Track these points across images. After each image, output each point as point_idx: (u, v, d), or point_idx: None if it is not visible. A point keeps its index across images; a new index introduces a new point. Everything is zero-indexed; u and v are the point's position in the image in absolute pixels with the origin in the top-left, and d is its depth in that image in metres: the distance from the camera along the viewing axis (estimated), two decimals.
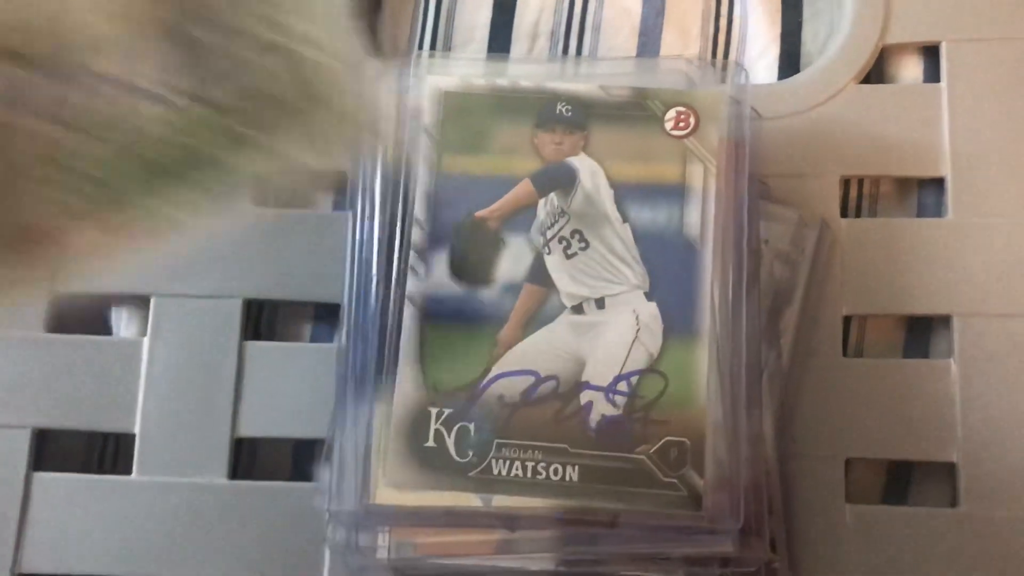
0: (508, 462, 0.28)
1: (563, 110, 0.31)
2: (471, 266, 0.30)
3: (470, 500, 0.28)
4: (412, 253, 0.30)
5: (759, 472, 0.29)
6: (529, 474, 0.28)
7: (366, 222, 0.31)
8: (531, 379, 0.29)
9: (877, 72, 0.35)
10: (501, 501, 0.28)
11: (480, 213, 0.30)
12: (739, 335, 0.29)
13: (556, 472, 0.28)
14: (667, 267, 0.29)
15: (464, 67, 0.32)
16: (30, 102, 0.16)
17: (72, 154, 0.17)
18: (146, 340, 0.34)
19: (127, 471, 0.33)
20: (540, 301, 0.30)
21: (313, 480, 0.33)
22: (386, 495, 0.28)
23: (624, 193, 0.30)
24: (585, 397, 0.29)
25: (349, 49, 0.18)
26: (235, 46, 0.17)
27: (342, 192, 0.36)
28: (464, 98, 0.31)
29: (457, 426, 0.29)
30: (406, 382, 0.29)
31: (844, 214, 0.34)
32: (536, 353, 0.29)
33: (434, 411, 0.29)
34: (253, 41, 0.17)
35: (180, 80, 0.17)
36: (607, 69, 0.32)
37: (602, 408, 0.29)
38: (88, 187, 0.17)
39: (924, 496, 0.33)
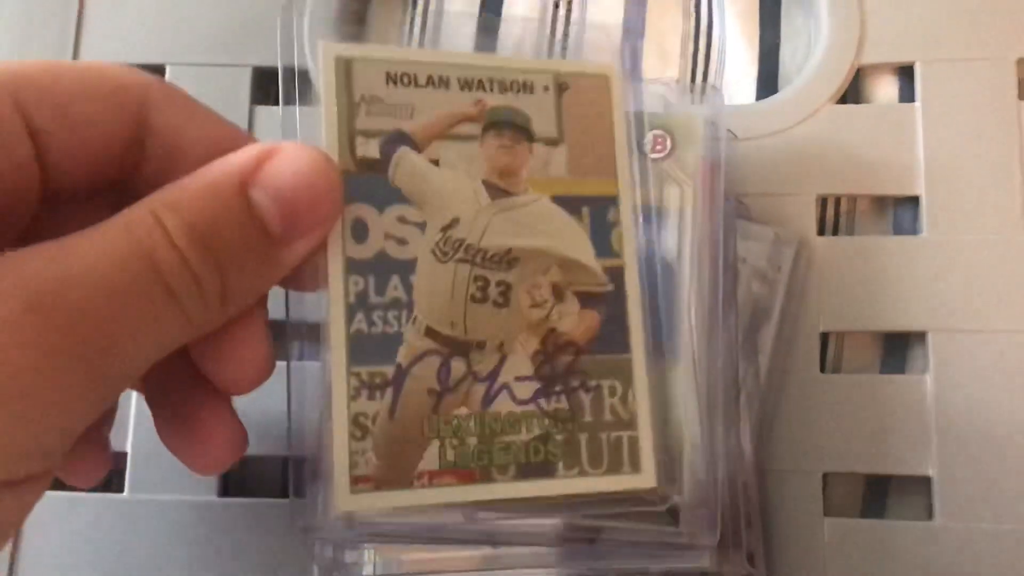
0: None
1: None
2: None
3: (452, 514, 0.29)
4: None
5: (737, 487, 0.30)
6: None
7: None
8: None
9: (853, 92, 0.36)
10: (485, 516, 0.29)
11: None
12: (716, 353, 0.29)
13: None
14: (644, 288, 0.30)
15: None
16: (454, 383, 0.26)
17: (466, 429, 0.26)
18: None
19: (120, 489, 0.34)
20: None
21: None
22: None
23: None
24: None
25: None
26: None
27: None
28: None
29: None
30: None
31: (821, 232, 0.35)
32: None
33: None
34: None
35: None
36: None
37: None
38: (459, 450, 0.26)
39: (901, 510, 0.33)
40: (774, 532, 0.32)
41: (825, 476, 0.32)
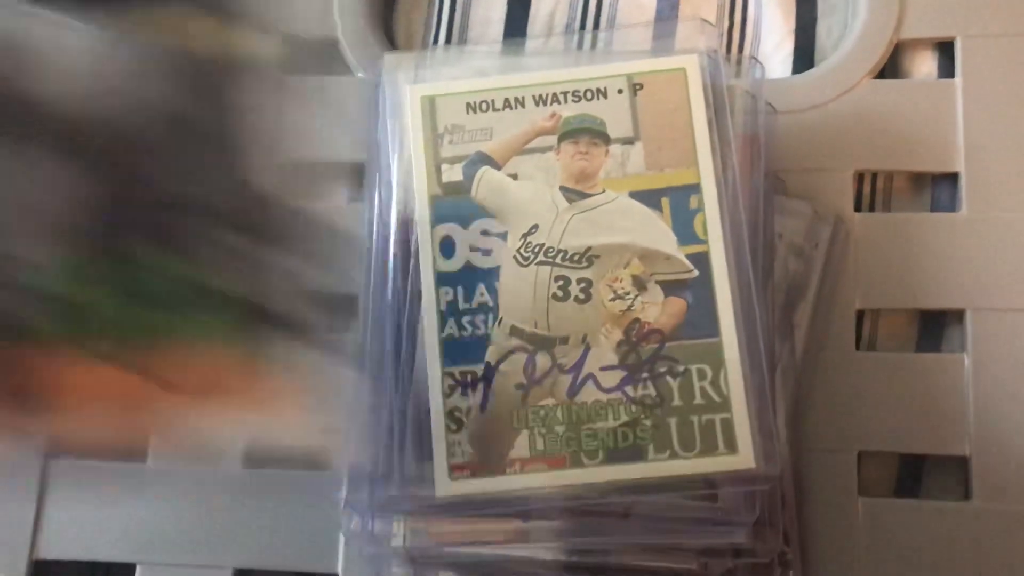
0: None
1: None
2: None
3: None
4: None
5: None
6: None
7: (382, 213, 0.31)
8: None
9: (891, 67, 0.36)
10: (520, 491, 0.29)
11: None
12: (753, 329, 0.29)
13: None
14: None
15: (479, 60, 0.32)
16: (540, 376, 0.27)
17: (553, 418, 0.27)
18: None
19: (142, 459, 0.33)
20: None
21: (328, 470, 0.34)
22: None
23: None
24: None
25: None
26: None
27: (358, 184, 0.36)
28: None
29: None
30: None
31: (858, 208, 0.34)
32: None
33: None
34: None
35: None
36: (621, 62, 0.32)
37: None
38: (547, 438, 0.27)
39: (936, 489, 0.33)
40: (808, 510, 0.31)
41: (860, 455, 0.32)
